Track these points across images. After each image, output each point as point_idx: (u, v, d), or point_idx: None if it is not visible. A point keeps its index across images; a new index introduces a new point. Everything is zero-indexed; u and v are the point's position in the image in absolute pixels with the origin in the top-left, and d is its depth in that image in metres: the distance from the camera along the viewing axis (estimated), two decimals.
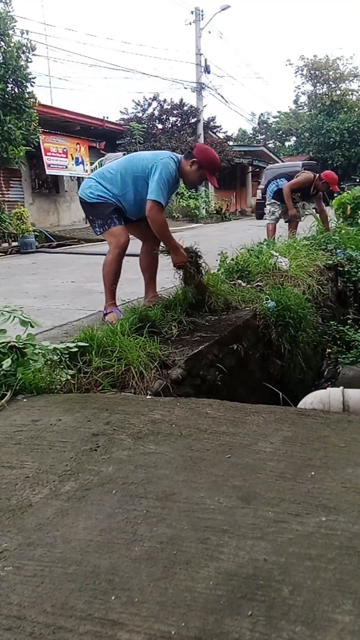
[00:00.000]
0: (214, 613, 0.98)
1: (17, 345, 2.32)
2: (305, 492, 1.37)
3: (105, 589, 1.06)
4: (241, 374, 3.13)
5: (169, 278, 3.96)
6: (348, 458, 1.55)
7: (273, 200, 7.46)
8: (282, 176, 7.38)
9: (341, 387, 2.66)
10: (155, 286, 3.78)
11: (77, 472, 1.54)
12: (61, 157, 14.93)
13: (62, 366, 2.36)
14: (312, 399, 2.65)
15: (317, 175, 7.14)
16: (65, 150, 15.04)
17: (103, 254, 3.81)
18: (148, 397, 2.19)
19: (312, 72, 39.73)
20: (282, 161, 32.34)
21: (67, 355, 2.40)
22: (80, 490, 1.45)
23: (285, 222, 7.53)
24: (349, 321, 5.25)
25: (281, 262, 4.52)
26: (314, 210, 7.79)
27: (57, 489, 1.46)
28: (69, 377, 2.29)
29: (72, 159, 15.39)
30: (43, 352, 2.37)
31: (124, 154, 3.59)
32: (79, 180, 16.37)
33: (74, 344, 2.46)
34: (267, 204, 7.60)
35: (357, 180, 29.38)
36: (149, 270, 3.73)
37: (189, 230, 14.67)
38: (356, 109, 37.76)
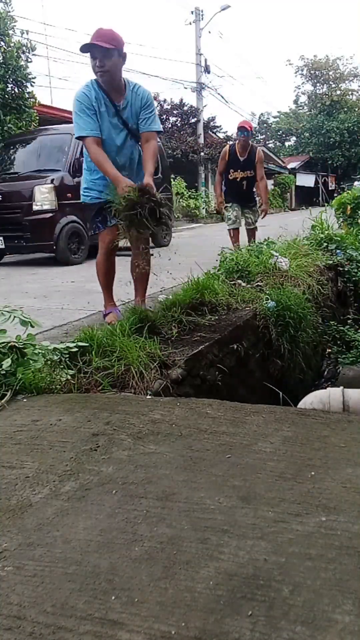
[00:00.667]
0: (214, 613, 0.98)
1: (17, 345, 2.32)
2: (305, 492, 1.37)
3: (105, 589, 1.06)
4: (241, 374, 3.13)
5: (169, 278, 3.96)
6: (348, 458, 1.55)
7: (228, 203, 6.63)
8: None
9: (341, 387, 2.66)
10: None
11: (77, 472, 1.54)
12: None
13: (62, 366, 2.36)
14: (312, 399, 2.66)
15: (239, 135, 6.35)
16: None
17: None
18: (148, 397, 2.19)
19: (312, 72, 39.74)
20: (283, 162, 32.33)
21: (67, 355, 2.40)
22: (80, 490, 1.45)
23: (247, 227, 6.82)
24: (349, 321, 5.25)
25: (281, 262, 4.52)
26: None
27: (57, 489, 1.46)
28: (69, 377, 2.29)
29: None
30: (43, 352, 2.37)
31: None
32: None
33: (74, 344, 2.46)
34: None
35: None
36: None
37: (188, 230, 14.68)
38: (356, 109, 37.77)
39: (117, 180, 2.95)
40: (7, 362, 2.23)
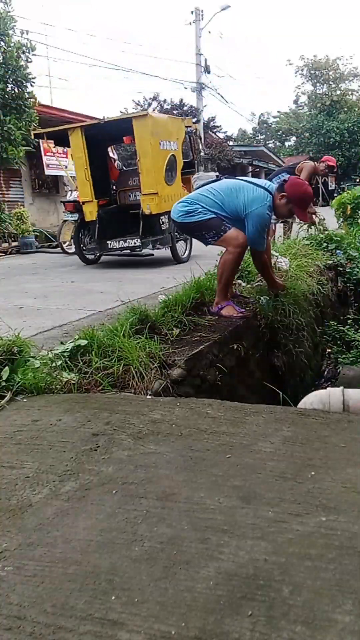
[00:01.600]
0: (214, 613, 0.98)
1: (14, 351, 2.33)
2: (305, 492, 1.37)
3: (106, 589, 1.06)
4: (241, 374, 3.13)
5: (169, 278, 3.96)
6: (348, 458, 1.55)
7: None
8: (283, 171, 6.90)
9: (341, 387, 2.66)
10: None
11: (77, 472, 1.54)
12: (61, 157, 14.90)
13: (62, 366, 2.35)
14: (312, 399, 2.65)
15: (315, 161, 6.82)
16: (65, 150, 15.02)
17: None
18: (148, 397, 2.19)
19: (312, 72, 39.72)
20: (283, 162, 32.31)
21: (68, 356, 2.40)
22: (80, 490, 1.45)
23: (280, 222, 7.07)
24: (349, 321, 5.25)
25: (281, 262, 4.51)
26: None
27: (57, 489, 1.46)
28: (68, 377, 2.28)
29: (72, 159, 15.35)
30: (43, 360, 2.37)
31: (217, 176, 3.62)
32: None
33: (72, 344, 2.46)
34: None
35: (357, 180, 29.36)
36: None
37: None
38: (356, 109, 37.75)
39: (274, 282, 3.78)
40: (5, 372, 2.24)
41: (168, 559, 1.14)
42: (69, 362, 2.38)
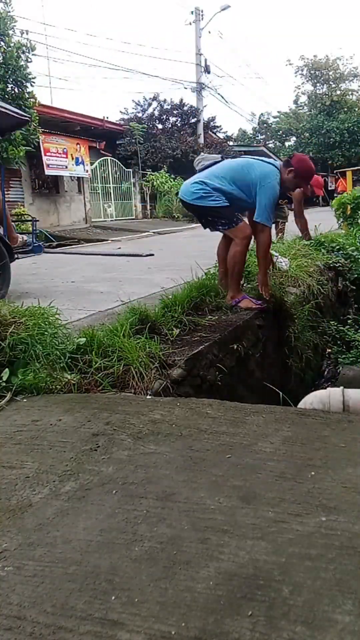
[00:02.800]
0: (214, 613, 0.98)
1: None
2: (305, 492, 1.37)
3: (106, 589, 1.06)
4: (241, 374, 3.12)
5: (169, 278, 3.96)
6: (348, 458, 1.55)
7: None
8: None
9: (341, 387, 2.66)
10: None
11: (77, 472, 1.54)
12: (61, 157, 14.91)
13: (62, 366, 2.35)
14: (312, 399, 2.65)
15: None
16: (65, 150, 15.03)
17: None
18: (148, 397, 2.19)
19: (312, 72, 39.68)
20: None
21: (68, 357, 2.40)
22: (80, 491, 1.45)
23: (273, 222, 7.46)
24: (349, 321, 5.25)
25: (281, 262, 4.51)
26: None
27: (57, 489, 1.46)
28: (69, 377, 2.28)
29: (72, 159, 15.36)
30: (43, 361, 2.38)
31: (221, 157, 3.70)
32: (80, 180, 16.36)
33: (72, 344, 2.46)
34: None
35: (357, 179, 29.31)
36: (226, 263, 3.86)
37: (189, 230, 14.67)
38: (356, 109, 37.73)
39: (265, 280, 3.71)
40: (5, 374, 2.24)
41: (168, 559, 1.14)
42: (69, 362, 2.38)
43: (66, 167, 15.18)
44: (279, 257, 4.60)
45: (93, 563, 1.14)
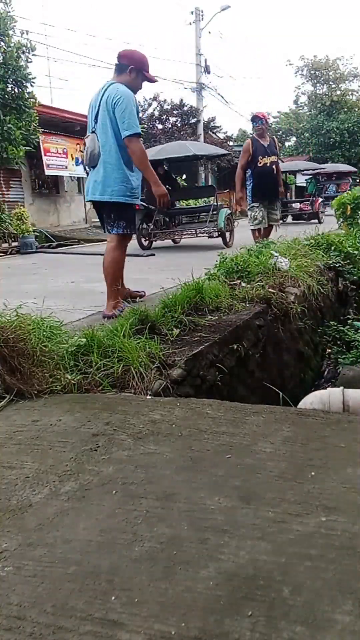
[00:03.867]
0: (214, 613, 0.98)
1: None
2: (305, 492, 1.37)
3: (106, 589, 1.06)
4: (241, 374, 3.13)
5: (169, 278, 3.96)
6: (348, 458, 1.55)
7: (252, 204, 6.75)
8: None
9: (341, 387, 2.66)
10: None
11: (77, 472, 1.54)
12: (61, 157, 14.92)
13: (62, 366, 2.35)
14: (312, 399, 2.65)
15: (254, 126, 6.68)
16: (65, 150, 15.04)
17: (102, 254, 3.82)
18: (148, 397, 2.19)
19: (312, 72, 39.70)
20: (283, 162, 32.25)
21: (68, 357, 2.40)
22: (80, 491, 1.45)
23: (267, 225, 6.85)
24: (349, 321, 5.25)
25: (281, 262, 4.51)
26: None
27: (57, 489, 1.46)
28: (69, 377, 2.28)
29: (72, 159, 15.38)
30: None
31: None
32: (80, 180, 16.37)
33: (73, 346, 2.46)
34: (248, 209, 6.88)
35: (358, 180, 29.34)
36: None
37: None
38: (356, 109, 37.73)
39: (157, 181, 3.58)
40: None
41: (168, 559, 1.14)
42: (69, 362, 2.38)
43: (66, 167, 15.19)
44: (279, 257, 4.60)
45: (93, 563, 1.14)
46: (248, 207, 6.81)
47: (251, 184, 6.68)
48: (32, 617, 1.00)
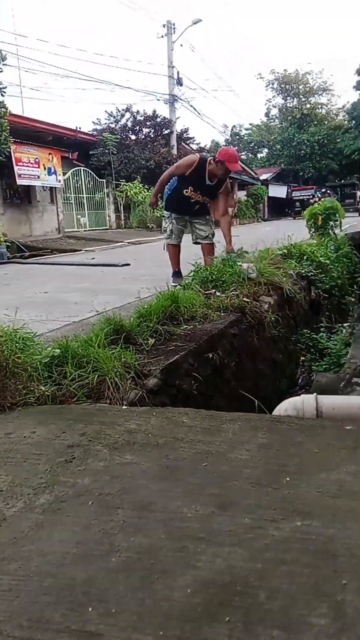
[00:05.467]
0: (192, 621, 0.98)
1: None
2: (280, 497, 1.39)
3: (82, 600, 1.05)
4: (217, 382, 3.14)
5: (144, 288, 3.96)
6: (322, 463, 1.57)
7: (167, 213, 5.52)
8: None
9: (315, 394, 2.70)
10: None
11: (52, 485, 1.53)
12: (33, 167, 14.81)
13: (35, 377, 2.33)
14: (286, 406, 2.68)
15: (208, 157, 5.26)
16: (37, 160, 14.94)
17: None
18: (124, 407, 2.18)
19: (282, 85, 40.57)
20: (256, 173, 32.72)
21: (42, 368, 2.38)
22: (55, 503, 1.43)
23: (194, 242, 5.65)
24: (321, 329, 5.34)
25: (247, 269, 4.49)
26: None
27: (32, 502, 1.44)
28: (43, 389, 2.26)
29: (45, 169, 15.28)
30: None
31: None
32: (52, 190, 16.27)
33: (47, 357, 2.44)
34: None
35: (327, 191, 29.98)
36: None
37: (160, 241, 14.69)
38: (326, 122, 38.65)
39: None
40: None
41: (145, 569, 1.14)
42: (43, 373, 2.36)
43: (38, 177, 15.08)
44: (243, 264, 4.61)
45: (69, 575, 1.13)
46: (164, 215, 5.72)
47: (168, 194, 5.40)
48: (8, 632, 0.98)
